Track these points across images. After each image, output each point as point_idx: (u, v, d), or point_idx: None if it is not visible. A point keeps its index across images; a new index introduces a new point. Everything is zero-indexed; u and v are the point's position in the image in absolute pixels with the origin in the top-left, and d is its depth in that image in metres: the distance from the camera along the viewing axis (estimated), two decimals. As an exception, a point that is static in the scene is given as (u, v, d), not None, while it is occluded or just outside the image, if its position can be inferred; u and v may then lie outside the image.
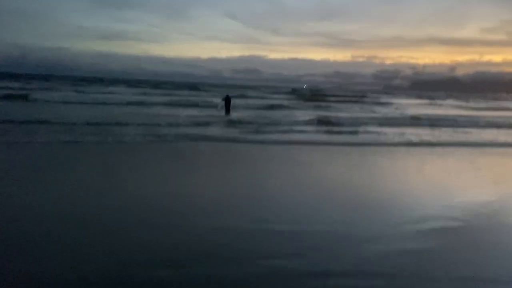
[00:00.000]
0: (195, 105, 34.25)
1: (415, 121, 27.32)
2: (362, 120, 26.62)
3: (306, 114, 30.85)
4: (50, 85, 55.97)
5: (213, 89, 74.13)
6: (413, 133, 20.28)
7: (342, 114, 31.21)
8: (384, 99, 70.46)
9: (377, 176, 10.98)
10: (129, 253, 5.40)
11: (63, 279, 4.73)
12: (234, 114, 26.80)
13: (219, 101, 31.14)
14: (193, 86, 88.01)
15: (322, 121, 24.45)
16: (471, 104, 63.96)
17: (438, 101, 70.00)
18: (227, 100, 29.13)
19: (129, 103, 32.77)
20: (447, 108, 52.23)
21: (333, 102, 50.31)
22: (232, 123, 21.59)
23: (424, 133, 20.55)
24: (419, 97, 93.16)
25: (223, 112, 27.89)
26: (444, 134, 20.81)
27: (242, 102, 38.04)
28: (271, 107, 36.92)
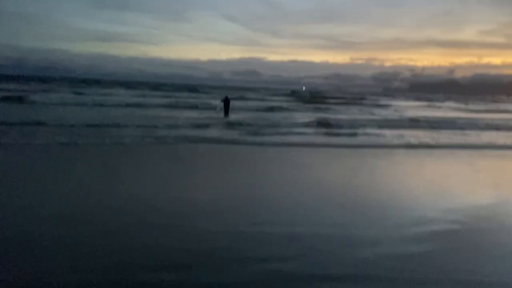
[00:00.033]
0: (194, 107, 34.19)
1: (414, 123, 27.32)
2: (361, 122, 26.59)
3: (305, 116, 30.83)
4: (48, 87, 55.80)
5: (213, 91, 74.10)
6: (412, 135, 20.26)
7: (341, 116, 31.20)
8: (383, 101, 70.55)
9: (376, 178, 10.94)
10: (128, 255, 5.35)
11: (62, 281, 4.68)
12: (233, 116, 26.77)
13: (218, 102, 31.10)
14: (193, 88, 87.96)
15: (321, 123, 24.41)
16: (470, 106, 64.01)
17: (437, 103, 70.07)
18: (226, 101, 29.08)
19: (128, 105, 32.63)
20: (446, 110, 52.28)
21: (333, 104, 50.29)
22: (231, 125, 21.55)
23: (423, 135, 20.53)
24: (418, 99, 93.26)
25: (222, 114, 27.85)
26: (443, 136, 20.80)
27: (241, 104, 38.02)
28: (270, 109, 36.90)
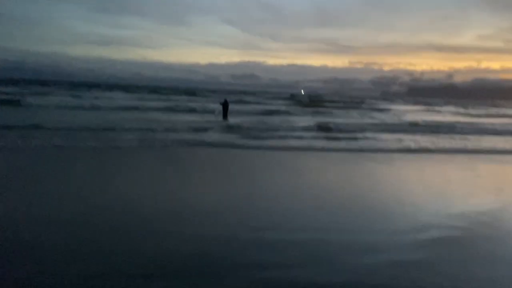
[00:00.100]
0: (192, 110, 34.07)
1: (414, 127, 27.25)
2: (360, 126, 26.54)
3: (304, 120, 30.77)
4: (46, 90, 55.60)
5: (211, 95, 74.09)
6: (412, 140, 20.18)
7: (341, 120, 31.14)
8: (382, 105, 70.57)
9: (376, 183, 10.83)
10: (122, 262, 5.22)
11: (54, 285, 4.53)
12: (231, 120, 26.67)
13: (216, 106, 31.02)
14: (191, 92, 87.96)
15: (320, 127, 24.32)
16: (470, 110, 64.05)
17: (436, 108, 70.12)
18: (225, 104, 29.00)
19: (126, 108, 32.50)
20: (446, 114, 52.27)
21: (332, 108, 50.24)
22: (229, 129, 21.46)
23: (423, 140, 20.45)
24: (417, 103, 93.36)
25: (220, 118, 27.76)
26: (443, 140, 20.73)
27: (240, 107, 37.96)
28: (269, 112, 36.83)
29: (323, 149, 16.15)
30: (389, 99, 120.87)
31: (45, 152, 12.82)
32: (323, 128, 24.12)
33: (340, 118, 35.33)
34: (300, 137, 19.32)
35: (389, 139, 20.21)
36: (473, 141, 21.00)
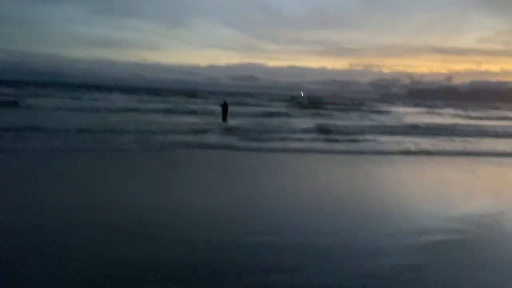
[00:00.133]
0: (192, 112, 33.98)
1: (414, 129, 27.20)
2: (361, 128, 26.49)
3: (304, 122, 30.71)
4: (45, 91, 55.44)
5: (211, 96, 73.99)
6: (412, 142, 20.14)
7: (341, 122, 31.09)
8: (382, 107, 70.56)
9: (377, 185, 10.76)
10: (119, 266, 5.14)
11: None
12: (231, 122, 26.60)
13: (216, 108, 30.95)
14: (191, 93, 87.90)
15: (320, 129, 24.26)
16: (470, 113, 64.03)
17: (436, 110, 70.13)
18: (224, 106, 28.93)
19: (126, 110, 32.35)
20: (446, 117, 52.26)
21: (331, 110, 50.17)
22: (229, 131, 21.38)
23: (424, 142, 20.41)
24: (417, 105, 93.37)
25: (220, 119, 27.69)
26: (443, 143, 20.69)
27: (239, 109, 37.87)
28: (269, 114, 36.73)
29: (322, 151, 16.08)
30: (389, 101, 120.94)
31: (41, 154, 12.72)
32: (323, 130, 24.06)
33: (340, 120, 35.26)
34: (300, 139, 19.26)
35: (389, 141, 20.16)
36: (473, 144, 20.98)
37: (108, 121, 22.03)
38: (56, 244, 5.74)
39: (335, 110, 51.00)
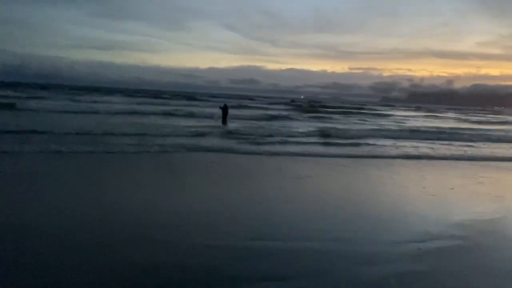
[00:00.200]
0: (192, 115, 33.87)
1: (414, 133, 27.10)
2: (361, 132, 26.40)
3: (304, 125, 30.65)
4: (45, 94, 55.29)
5: (211, 99, 74.04)
6: (413, 146, 20.06)
7: (341, 126, 31.03)
8: (382, 110, 70.66)
9: (377, 190, 10.66)
10: (115, 271, 5.02)
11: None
12: (231, 124, 26.51)
13: (216, 111, 30.88)
14: (191, 96, 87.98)
15: (320, 133, 24.17)
16: (470, 117, 64.07)
17: (437, 114, 70.18)
18: (224, 109, 28.87)
19: (125, 113, 32.20)
20: (446, 120, 52.26)
21: (332, 114, 50.17)
22: (229, 134, 21.28)
23: (424, 146, 20.31)
24: (417, 109, 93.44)
25: (220, 122, 27.61)
26: (444, 147, 20.60)
27: (239, 112, 37.83)
28: (269, 117, 36.67)
29: (322, 155, 15.97)
30: (389, 105, 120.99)
31: (38, 156, 12.59)
32: (323, 133, 23.96)
33: (340, 123, 35.23)
34: (300, 143, 19.15)
35: (389, 145, 20.06)
36: (474, 148, 20.89)
37: (107, 124, 21.89)
38: (54, 247, 5.62)
39: (335, 114, 51.02)
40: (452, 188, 11.14)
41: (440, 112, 79.03)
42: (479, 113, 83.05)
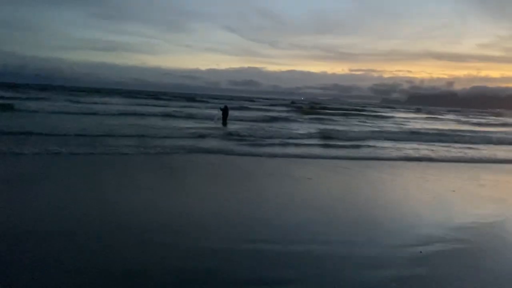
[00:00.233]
0: (192, 116, 33.82)
1: (415, 135, 27.04)
2: (361, 134, 26.34)
3: (305, 127, 30.59)
4: (45, 95, 55.20)
5: (211, 101, 74.05)
6: (413, 148, 20.01)
7: (341, 128, 30.96)
8: (382, 112, 70.61)
9: (378, 192, 10.57)
10: (113, 273, 4.96)
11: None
12: (231, 126, 26.45)
13: (216, 112, 30.82)
14: (191, 97, 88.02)
15: (321, 135, 24.11)
16: (471, 119, 64.04)
17: (437, 115, 70.16)
18: (225, 111, 28.83)
19: (125, 114, 32.14)
20: (446, 122, 52.23)
21: (332, 115, 50.15)
22: (229, 135, 21.23)
23: (425, 148, 20.26)
24: (418, 111, 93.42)
25: (220, 124, 27.54)
26: (445, 149, 20.55)
27: (240, 113, 37.77)
28: (270, 119, 36.61)
29: (323, 157, 15.90)
30: (390, 106, 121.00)
31: (40, 158, 12.52)
32: (323, 135, 23.90)
33: (340, 125, 35.19)
34: (300, 145, 19.10)
35: (390, 147, 20.00)
36: (475, 150, 20.83)
37: (106, 125, 21.84)
38: (50, 251, 5.55)
39: (335, 115, 51.02)
40: (453, 191, 11.08)
41: (440, 114, 79.04)
42: (479, 115, 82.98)
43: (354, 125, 36.32)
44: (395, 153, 17.81)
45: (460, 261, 6.02)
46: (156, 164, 12.74)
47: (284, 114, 44.95)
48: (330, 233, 6.95)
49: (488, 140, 26.76)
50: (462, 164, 16.30)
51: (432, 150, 19.67)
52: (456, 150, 20.37)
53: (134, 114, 32.70)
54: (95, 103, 44.27)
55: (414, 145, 21.50)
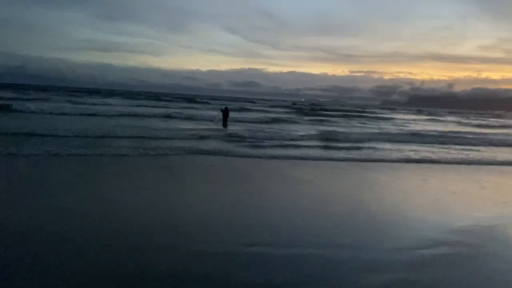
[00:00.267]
0: (192, 117, 33.76)
1: (416, 137, 26.97)
2: (362, 135, 26.28)
3: (305, 128, 30.53)
4: (45, 95, 55.16)
5: (212, 102, 74.06)
6: (414, 150, 19.92)
7: (342, 129, 30.93)
8: (383, 114, 70.57)
9: (379, 195, 10.49)
10: (111, 276, 4.90)
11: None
12: (231, 127, 26.38)
13: (216, 113, 30.76)
14: (192, 99, 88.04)
15: (321, 136, 24.04)
16: (471, 121, 63.95)
17: (438, 117, 70.09)
18: (225, 112, 28.78)
19: (125, 115, 32.05)
20: (447, 124, 52.16)
21: (333, 117, 50.11)
22: (229, 137, 21.15)
23: (425, 150, 20.18)
24: (418, 112, 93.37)
25: (220, 125, 27.49)
26: (446, 151, 20.49)
27: (240, 115, 37.72)
28: (270, 120, 36.57)
29: (323, 159, 15.83)
30: (390, 108, 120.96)
31: (39, 160, 12.46)
32: (324, 137, 23.83)
33: (341, 127, 35.15)
34: (301, 146, 19.03)
35: (390, 149, 19.93)
36: (476, 152, 20.76)
37: (106, 126, 21.79)
38: (47, 253, 5.48)
39: (336, 117, 50.98)
40: (454, 193, 11.01)
41: (441, 116, 79.01)
42: (480, 117, 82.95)
43: (355, 127, 36.27)
44: (395, 155, 17.73)
45: (461, 265, 5.96)
46: (155, 166, 12.67)
47: (284, 116, 44.92)
48: (331, 236, 6.88)
49: (489, 142, 26.68)
50: (463, 166, 16.23)
51: (433, 152, 19.60)
52: (456, 152, 20.30)
53: (134, 115, 32.63)
54: (95, 104, 44.21)
55: (415, 146, 21.43)
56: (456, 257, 6.21)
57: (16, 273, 4.94)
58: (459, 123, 55.75)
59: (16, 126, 18.69)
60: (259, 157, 15.29)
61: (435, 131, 34.48)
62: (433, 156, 17.96)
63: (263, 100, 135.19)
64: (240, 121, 32.10)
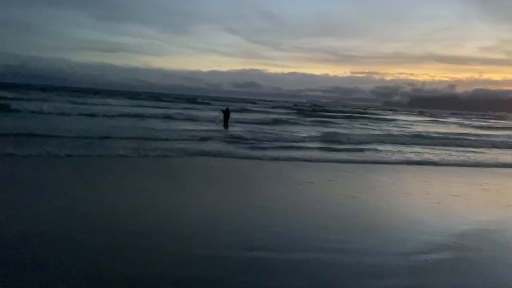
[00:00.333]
0: (193, 118, 33.67)
1: (417, 139, 26.90)
2: (363, 137, 26.18)
3: (307, 129, 30.46)
4: (45, 95, 55.05)
5: (213, 102, 74.02)
6: (416, 152, 19.86)
7: (344, 131, 30.81)
8: (384, 115, 70.46)
9: (381, 197, 10.39)
10: (107, 281, 4.82)
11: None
12: (232, 128, 26.31)
13: (217, 114, 30.70)
14: (192, 99, 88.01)
15: (323, 138, 23.97)
16: (473, 122, 63.86)
17: (439, 119, 70.02)
18: (226, 113, 28.72)
19: (126, 116, 31.95)
20: (449, 126, 52.08)
21: (334, 118, 50.03)
22: (230, 138, 21.08)
23: (427, 152, 20.12)
24: (420, 113, 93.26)
25: (221, 126, 27.43)
26: (448, 153, 20.43)
27: (241, 116, 37.64)
28: (271, 121, 36.49)
29: (325, 160, 15.75)
30: (392, 109, 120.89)
31: (38, 160, 12.40)
32: (325, 138, 23.76)
33: (342, 128, 35.07)
34: (302, 148, 18.95)
35: (392, 150, 19.85)
36: (478, 154, 20.70)
37: (107, 126, 21.72)
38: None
39: (337, 118, 50.91)
40: (457, 196, 10.91)
41: (443, 117, 78.93)
42: (482, 118, 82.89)
43: (356, 128, 36.18)
44: (397, 157, 17.65)
45: (465, 269, 5.89)
46: (156, 168, 12.59)
47: (286, 117, 44.81)
48: (332, 240, 6.79)
49: (491, 143, 26.59)
50: (465, 168, 16.14)
51: (435, 153, 19.53)
52: (458, 153, 20.23)
53: (135, 115, 32.53)
54: (96, 104, 44.13)
55: (417, 148, 21.36)
56: (460, 261, 6.14)
57: (16, 273, 4.89)
58: (461, 125, 55.68)
59: (15, 126, 18.62)
60: (260, 158, 15.21)
61: (437, 132, 34.42)
62: (435, 158, 17.90)
63: (264, 101, 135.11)
64: (241, 122, 32.02)
